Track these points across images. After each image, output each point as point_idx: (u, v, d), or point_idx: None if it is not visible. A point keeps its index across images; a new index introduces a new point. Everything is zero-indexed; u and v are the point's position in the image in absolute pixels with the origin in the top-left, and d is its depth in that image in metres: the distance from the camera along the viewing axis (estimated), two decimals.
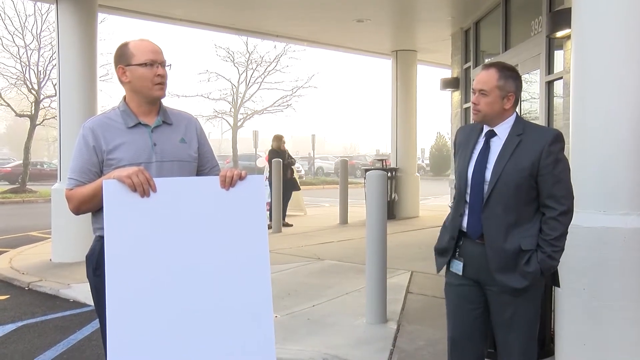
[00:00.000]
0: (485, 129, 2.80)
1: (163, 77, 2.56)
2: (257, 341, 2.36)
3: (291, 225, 11.50)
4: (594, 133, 3.51)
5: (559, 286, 2.89)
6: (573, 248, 3.42)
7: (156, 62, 2.53)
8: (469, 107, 10.29)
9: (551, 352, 3.84)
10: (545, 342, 3.99)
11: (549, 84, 7.08)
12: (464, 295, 2.82)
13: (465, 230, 2.77)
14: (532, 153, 2.63)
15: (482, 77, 2.74)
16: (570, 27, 3.99)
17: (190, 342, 2.29)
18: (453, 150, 2.99)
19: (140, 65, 2.52)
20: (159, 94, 2.57)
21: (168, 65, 2.59)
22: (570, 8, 3.90)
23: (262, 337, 2.36)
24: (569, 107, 4.19)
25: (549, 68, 7.04)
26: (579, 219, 3.43)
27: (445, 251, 2.85)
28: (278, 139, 12.02)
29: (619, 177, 3.42)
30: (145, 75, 2.53)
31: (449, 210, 3.08)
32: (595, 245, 3.41)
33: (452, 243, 2.81)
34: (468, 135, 2.88)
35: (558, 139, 2.66)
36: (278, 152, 11.84)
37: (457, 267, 2.81)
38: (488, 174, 2.69)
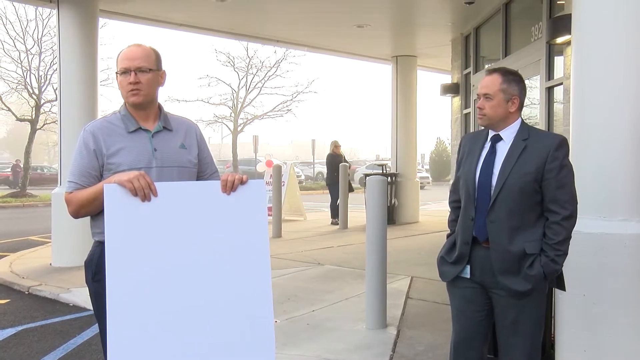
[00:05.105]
0: (491, 133, 2.82)
1: (134, 83, 2.51)
2: (258, 346, 2.36)
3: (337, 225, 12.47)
4: (593, 139, 3.52)
5: (564, 289, 2.89)
6: (573, 254, 3.40)
7: (129, 70, 2.51)
8: (469, 113, 10.37)
9: (552, 358, 3.83)
10: (545, 347, 3.99)
11: (549, 90, 7.09)
12: (469, 298, 2.83)
13: (474, 234, 2.78)
14: (537, 158, 2.65)
15: (486, 82, 2.78)
16: (570, 33, 4.00)
17: (190, 347, 2.29)
18: (457, 156, 2.99)
19: (118, 73, 2.56)
20: (132, 100, 2.54)
21: (147, 70, 2.53)
22: (570, 14, 3.92)
23: (263, 342, 2.36)
24: (569, 112, 4.21)
25: (549, 74, 7.05)
26: (578, 225, 3.41)
27: (461, 258, 2.82)
28: (334, 144, 13.57)
29: (618, 183, 3.43)
30: (121, 83, 2.55)
31: (448, 215, 3.08)
32: (595, 251, 3.41)
33: (466, 248, 2.79)
34: (474, 141, 2.89)
35: (563, 144, 2.68)
36: (335, 156, 13.32)
37: (466, 270, 2.81)
38: (494, 179, 2.71)
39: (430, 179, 35.72)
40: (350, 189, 13.19)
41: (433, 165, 42.37)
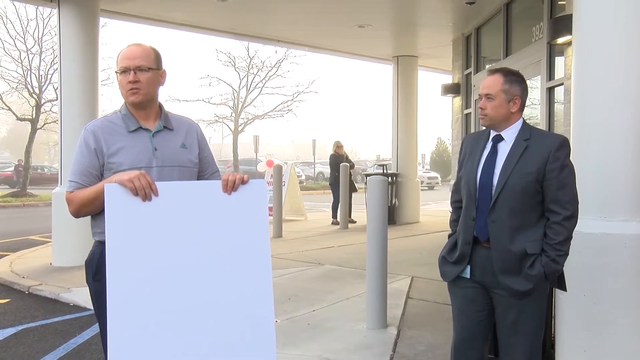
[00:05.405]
0: (492, 133, 2.83)
1: (134, 82, 2.51)
2: (258, 346, 2.36)
3: (355, 222, 12.59)
4: (593, 139, 3.52)
5: (565, 290, 2.89)
6: (573, 254, 3.40)
7: (129, 69, 2.52)
8: (470, 113, 10.37)
9: (552, 358, 3.84)
10: (546, 347, 3.99)
11: (550, 90, 7.09)
12: (470, 297, 2.83)
13: (475, 234, 2.79)
14: (538, 158, 2.66)
15: (488, 82, 2.78)
16: (571, 34, 4.00)
17: (191, 347, 2.29)
18: (459, 157, 3.00)
19: (118, 73, 2.56)
20: (132, 99, 2.54)
21: (147, 69, 2.53)
22: (571, 15, 3.92)
23: (263, 342, 2.36)
24: (569, 113, 4.21)
25: (550, 74, 7.05)
26: (579, 225, 3.42)
27: (462, 258, 2.82)
28: (337, 145, 13.69)
29: (619, 183, 3.43)
30: (121, 82, 2.56)
31: (449, 215, 3.08)
32: (595, 251, 3.41)
33: (468, 248, 2.80)
34: (476, 141, 2.90)
35: (564, 145, 2.69)
36: (337, 156, 13.39)
37: (466, 271, 2.82)
38: (495, 179, 2.72)
39: (440, 179, 35.22)
40: (354, 189, 13.22)
41: (434, 165, 42.35)
